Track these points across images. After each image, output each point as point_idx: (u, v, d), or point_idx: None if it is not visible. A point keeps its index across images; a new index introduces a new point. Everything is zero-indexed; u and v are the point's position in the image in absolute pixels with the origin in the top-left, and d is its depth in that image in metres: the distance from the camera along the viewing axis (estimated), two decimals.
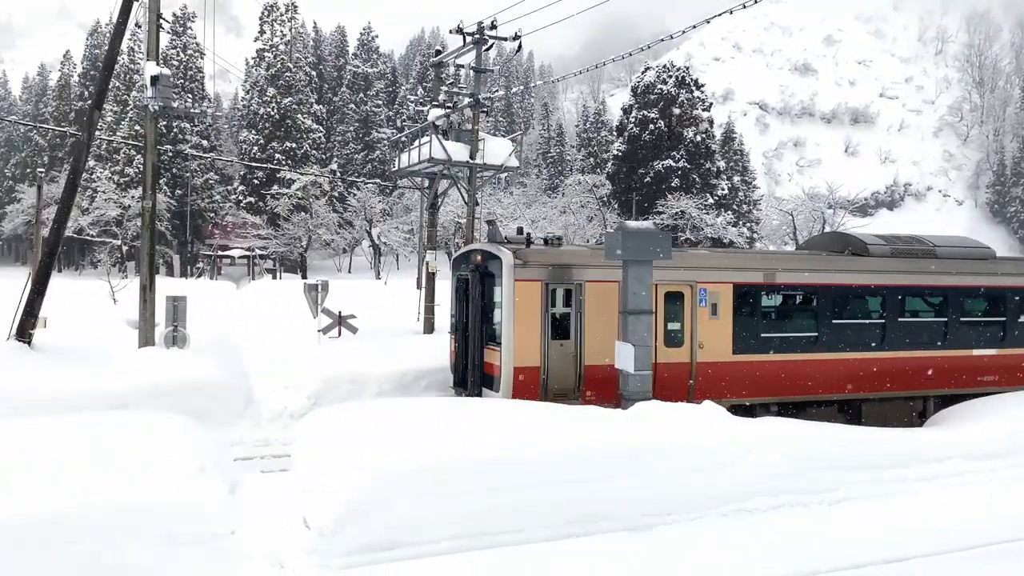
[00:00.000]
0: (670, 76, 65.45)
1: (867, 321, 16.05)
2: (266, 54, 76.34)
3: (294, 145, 74.13)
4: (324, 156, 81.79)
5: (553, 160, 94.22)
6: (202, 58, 76.11)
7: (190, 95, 74.54)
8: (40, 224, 30.93)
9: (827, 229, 60.22)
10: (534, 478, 8.87)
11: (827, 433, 11.32)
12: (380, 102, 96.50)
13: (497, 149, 23.64)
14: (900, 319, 16.03)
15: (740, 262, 15.49)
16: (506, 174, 30.88)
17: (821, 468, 10.38)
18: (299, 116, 75.05)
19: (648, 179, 62.85)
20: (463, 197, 24.93)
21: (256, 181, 73.29)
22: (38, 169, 35.05)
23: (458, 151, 22.74)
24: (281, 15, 77.52)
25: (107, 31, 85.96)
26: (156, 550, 7.43)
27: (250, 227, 70.29)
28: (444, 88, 25.64)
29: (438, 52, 26.86)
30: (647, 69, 69.79)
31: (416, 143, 24.15)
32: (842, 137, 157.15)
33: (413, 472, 8.48)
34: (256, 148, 73.72)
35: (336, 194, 77.28)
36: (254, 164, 67.58)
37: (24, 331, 16.55)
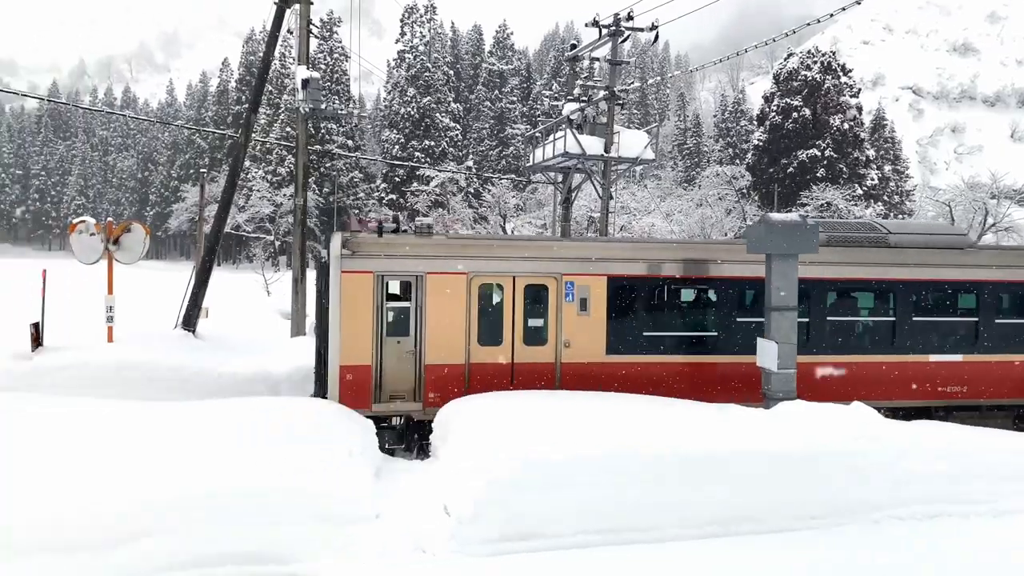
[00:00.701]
0: (815, 62, 62.61)
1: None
2: (406, 55, 78.82)
3: (432, 143, 76.21)
4: (461, 153, 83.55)
5: (689, 152, 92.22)
6: (347, 61, 79.50)
7: (336, 97, 78.02)
8: (203, 221, 33.25)
9: (989, 221, 55.88)
10: (672, 476, 8.72)
11: (984, 440, 10.50)
12: (515, 98, 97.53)
13: (632, 142, 23.39)
14: (828, 318, 14.07)
15: (617, 252, 13.72)
16: (641, 167, 30.50)
17: (979, 476, 9.63)
18: (437, 115, 77.03)
19: (791, 169, 60.41)
20: (597, 191, 24.82)
21: (397, 179, 75.85)
22: (200, 170, 37.63)
23: (592, 145, 22.66)
24: (420, 16, 79.76)
25: (261, 39, 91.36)
26: (308, 529, 7.86)
27: (391, 223, 72.87)
28: (579, 82, 25.61)
29: (573, 46, 26.83)
30: (790, 55, 67.03)
31: (550, 138, 24.25)
32: (1007, 121, 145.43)
33: (550, 465, 8.53)
34: (397, 147, 76.36)
35: (472, 190, 78.86)
36: (395, 162, 70.00)
37: (189, 321, 17.87)
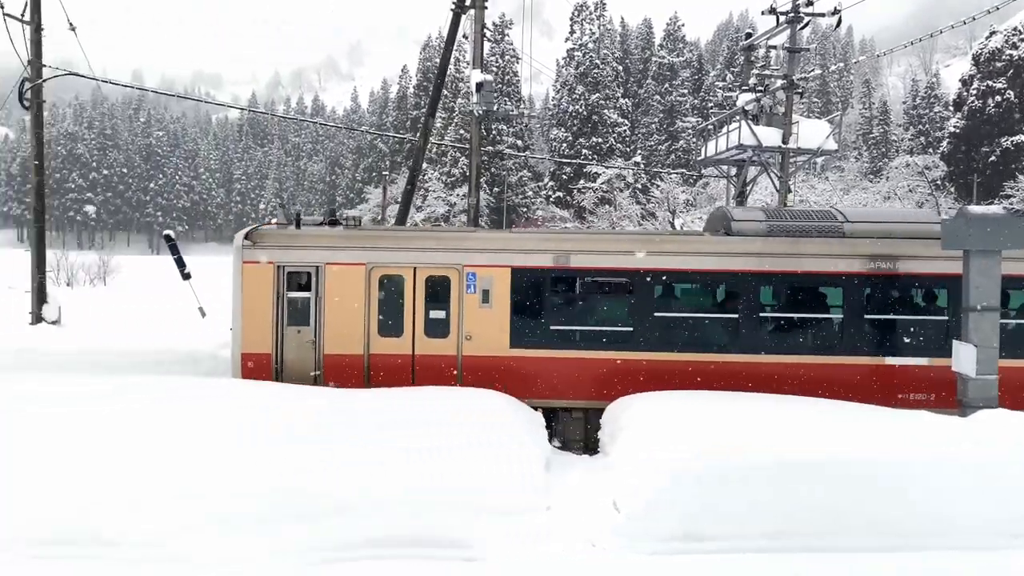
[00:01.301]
0: (1022, 39, 56.82)
1: (710, 316, 13.01)
2: (575, 53, 79.23)
3: (600, 140, 76.19)
4: (628, 149, 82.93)
5: (875, 141, 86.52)
6: (517, 62, 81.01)
7: (507, 98, 79.75)
8: (384, 220, 35.08)
9: None
10: (855, 484, 8.29)
11: None
12: (685, 91, 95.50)
13: (812, 132, 22.33)
14: (761, 315, 12.80)
15: (522, 243, 13.11)
16: (822, 158, 29.00)
17: None
18: (605, 111, 76.90)
19: (993, 158, 55.21)
20: (774, 184, 23.89)
21: (564, 176, 76.50)
22: (383, 172, 39.64)
23: (769, 136, 21.84)
24: (590, 14, 79.89)
25: (437, 45, 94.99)
26: (482, 518, 8.15)
27: (558, 220, 73.56)
28: (754, 72, 24.77)
29: (748, 35, 25.95)
30: (992, 33, 61.21)
31: (723, 130, 23.59)
32: None
33: (723, 466, 8.37)
34: (565, 145, 76.99)
35: (639, 186, 78.05)
36: (563, 160, 70.67)
37: None
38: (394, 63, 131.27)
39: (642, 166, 79.46)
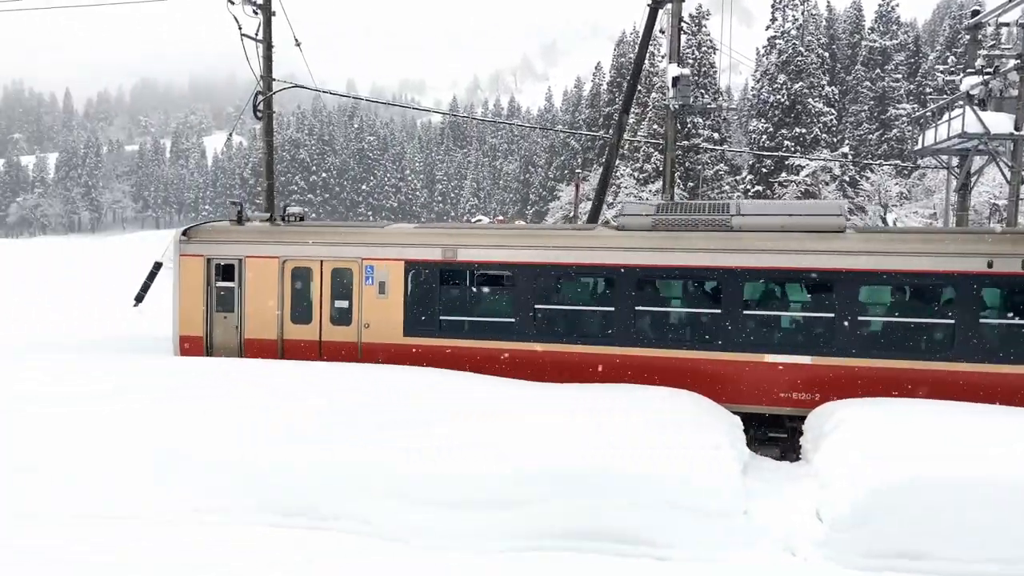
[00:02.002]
0: None
1: (590, 308, 13.11)
2: (777, 41, 75.71)
3: (803, 130, 72.30)
4: (835, 139, 78.13)
5: None
6: (714, 53, 78.78)
7: (703, 91, 77.80)
8: (576, 218, 35.41)
9: None
10: None
11: None
12: (899, 76, 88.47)
13: None
14: (638, 308, 12.71)
15: (414, 238, 13.85)
16: None
17: None
18: (809, 100, 72.89)
19: None
20: (1004, 175, 21.64)
21: (764, 169, 73.39)
22: (576, 170, 40.03)
23: (999, 122, 19.82)
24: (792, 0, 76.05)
25: (631, 41, 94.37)
26: (673, 517, 8.09)
27: None
28: (981, 52, 22.56)
29: (975, 13, 23.66)
30: None
31: (944, 117, 21.68)
32: None
33: (937, 481, 7.77)
34: (765, 136, 73.82)
35: (847, 178, 73.32)
36: (763, 153, 67.84)
37: None
38: (588, 61, 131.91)
39: (850, 157, 74.61)
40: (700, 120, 78.44)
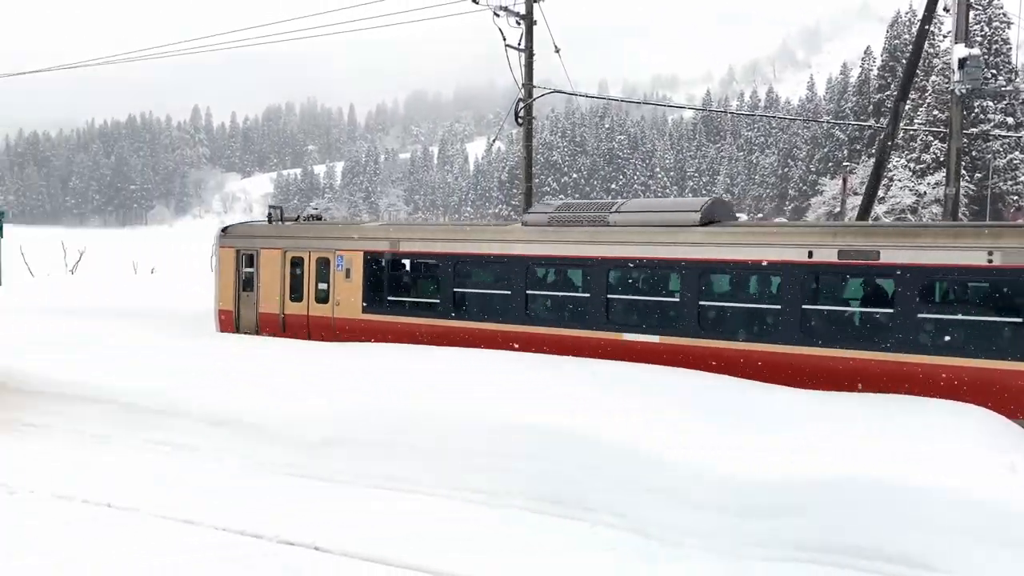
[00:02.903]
0: None
1: (496, 292, 15.33)
2: None
3: None
4: None
5: None
6: (1008, 28, 69.87)
7: (994, 71, 69.32)
8: (843, 214, 33.23)
9: None
10: None
11: None
12: None
13: None
14: (530, 292, 14.87)
15: (370, 233, 16.93)
16: None
17: None
18: None
19: None
20: None
21: None
22: (842, 163, 37.59)
23: None
24: None
25: (907, 20, 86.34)
26: (956, 538, 7.42)
27: None
28: None
29: None
30: None
31: None
32: None
33: None
34: None
35: None
36: None
37: None
38: (855, 45, 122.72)
39: None
40: (991, 104, 69.98)
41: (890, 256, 11.76)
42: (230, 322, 18.62)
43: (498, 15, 21.99)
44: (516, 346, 14.56)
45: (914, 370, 11.39)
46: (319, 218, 20.08)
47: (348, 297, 16.82)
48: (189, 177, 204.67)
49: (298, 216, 19.91)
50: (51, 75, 34.01)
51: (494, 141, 44.59)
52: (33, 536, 8.59)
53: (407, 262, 16.65)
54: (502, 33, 22.11)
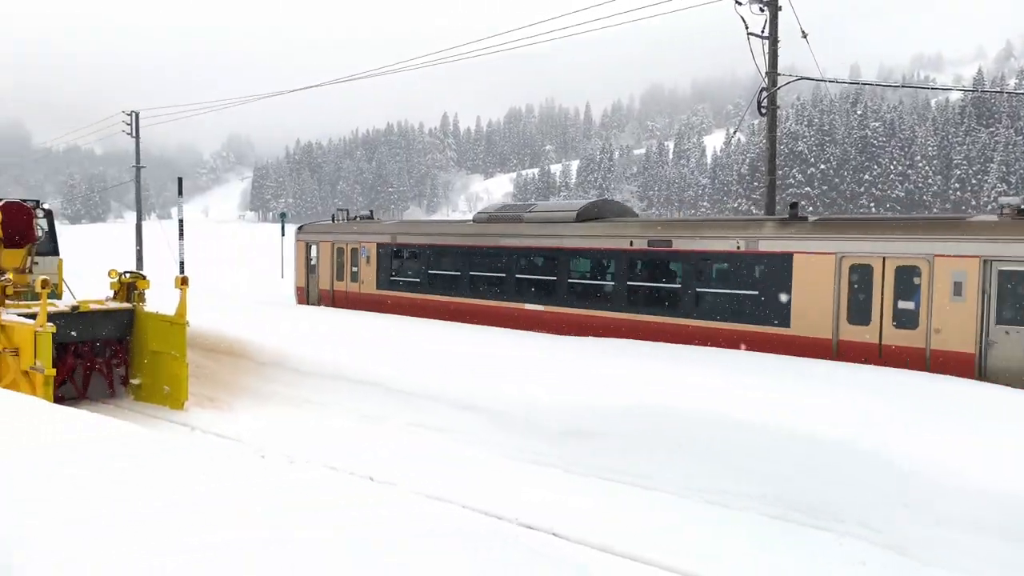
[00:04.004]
0: None
1: (451, 273, 20.65)
2: None
3: None
4: None
5: None
6: None
7: None
8: None
9: None
10: None
11: None
12: None
13: None
14: (471, 273, 20.10)
15: (382, 229, 23.33)
16: None
17: None
18: None
19: None
20: None
21: None
22: None
23: None
24: None
25: None
26: None
27: None
28: None
29: None
30: None
31: None
32: None
33: None
34: None
35: None
36: None
37: None
38: None
39: None
40: None
41: (678, 244, 15.76)
42: (303, 296, 25.91)
43: (740, 3, 21.30)
44: (470, 318, 19.53)
45: (695, 330, 15.35)
46: (370, 217, 25.88)
47: (368, 277, 23.22)
48: (438, 179, 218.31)
49: (355, 216, 25.70)
50: (323, 89, 37.82)
51: (734, 133, 43.36)
52: (309, 502, 9.67)
53: (402, 250, 22.42)
54: (744, 21, 21.37)
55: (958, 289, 12.07)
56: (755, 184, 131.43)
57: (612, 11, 24.23)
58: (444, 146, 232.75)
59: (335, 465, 11.27)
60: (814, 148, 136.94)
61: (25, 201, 16.29)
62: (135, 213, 43.96)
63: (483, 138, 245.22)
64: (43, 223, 17.37)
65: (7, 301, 14.71)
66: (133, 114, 42.38)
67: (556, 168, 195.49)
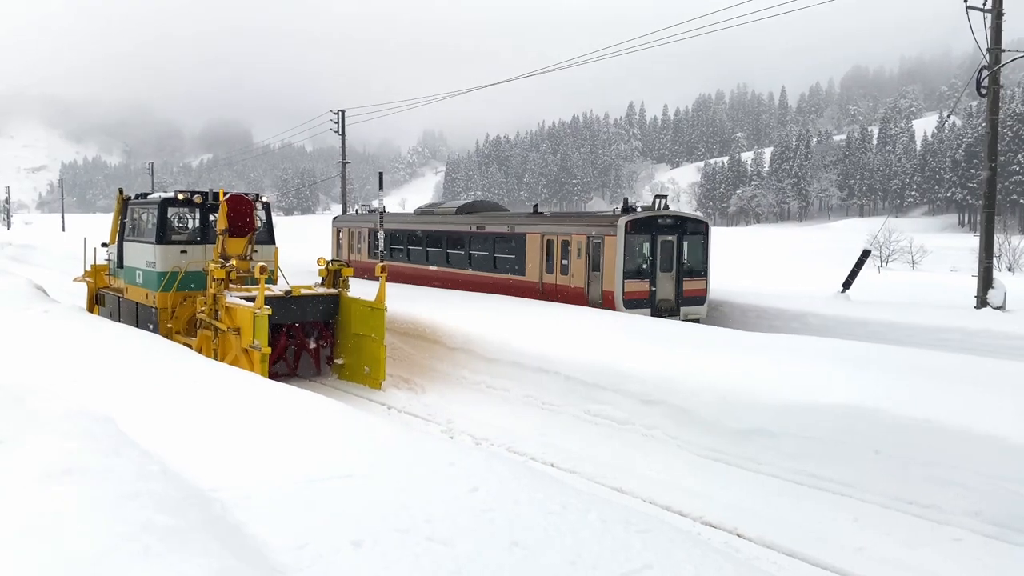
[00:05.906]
0: None
1: (416, 248, 28.77)
2: None
3: None
4: None
5: None
6: None
7: None
8: None
9: None
10: None
11: None
12: None
13: None
14: (431, 248, 27.97)
15: (369, 219, 32.03)
16: None
17: None
18: None
19: None
20: None
21: None
22: None
23: None
24: None
25: None
26: None
27: None
28: None
29: None
30: None
31: None
32: None
33: None
34: None
35: None
36: None
37: None
38: None
39: None
40: None
41: (489, 228, 24.90)
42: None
43: None
44: (404, 279, 28.04)
45: (496, 280, 24.08)
46: (372, 211, 32.60)
47: (364, 251, 32.37)
48: (623, 170, 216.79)
49: (375, 210, 30.76)
50: (510, 84, 38.66)
51: (949, 116, 39.68)
52: (495, 486, 10.04)
53: (402, 234, 29.67)
54: None
55: (579, 252, 21.19)
56: (972, 171, 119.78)
57: None
58: (629, 136, 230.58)
59: (517, 449, 11.60)
60: None
61: (247, 194, 17.86)
62: (340, 206, 47.27)
63: (670, 126, 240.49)
64: (261, 214, 18.94)
65: (231, 285, 16.33)
66: (340, 112, 45.50)
67: (747, 156, 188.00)
